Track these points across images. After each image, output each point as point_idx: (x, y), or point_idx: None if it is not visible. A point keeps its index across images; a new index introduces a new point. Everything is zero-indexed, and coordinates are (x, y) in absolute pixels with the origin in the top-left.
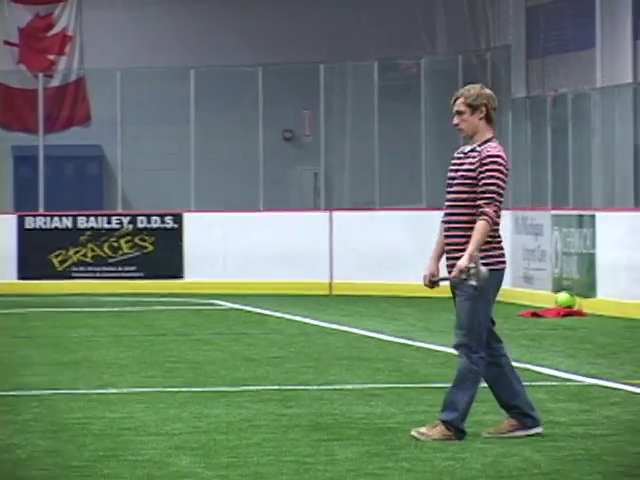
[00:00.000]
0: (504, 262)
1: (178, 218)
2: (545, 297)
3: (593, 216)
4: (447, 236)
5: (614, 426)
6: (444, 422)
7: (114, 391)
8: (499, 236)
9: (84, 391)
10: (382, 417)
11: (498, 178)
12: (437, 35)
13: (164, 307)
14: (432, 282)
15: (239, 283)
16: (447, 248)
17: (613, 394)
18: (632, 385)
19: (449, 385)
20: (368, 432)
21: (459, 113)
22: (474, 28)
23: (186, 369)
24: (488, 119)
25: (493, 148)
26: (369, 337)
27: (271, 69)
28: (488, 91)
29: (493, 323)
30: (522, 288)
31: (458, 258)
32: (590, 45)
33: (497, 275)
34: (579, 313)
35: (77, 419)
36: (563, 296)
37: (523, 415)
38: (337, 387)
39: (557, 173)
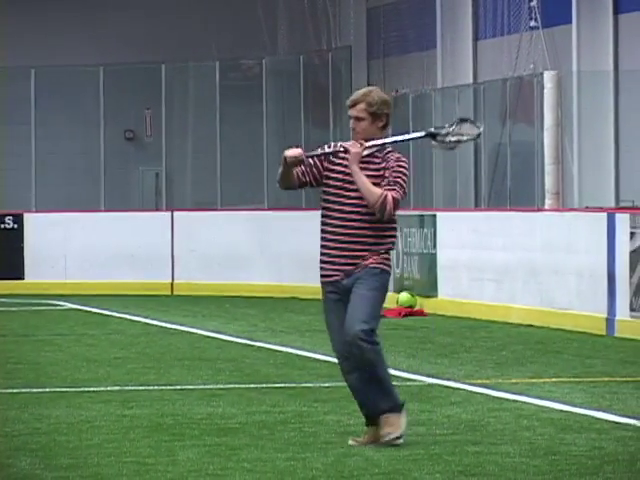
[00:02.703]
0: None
1: (18, 218)
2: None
3: (434, 216)
4: (347, 241)
5: (454, 426)
6: (392, 409)
7: None
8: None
9: None
10: (223, 417)
11: (404, 180)
12: (279, 35)
13: (4, 308)
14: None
15: (80, 283)
16: (341, 252)
17: (453, 394)
18: (472, 385)
19: (291, 385)
20: (209, 432)
21: (358, 119)
22: (315, 28)
23: (27, 370)
24: (385, 126)
25: (402, 161)
26: (211, 337)
27: (112, 69)
28: (387, 97)
29: None
30: None
31: (352, 264)
32: (431, 46)
33: (388, 277)
34: (420, 313)
35: None
36: (404, 296)
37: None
38: (178, 387)
39: None
